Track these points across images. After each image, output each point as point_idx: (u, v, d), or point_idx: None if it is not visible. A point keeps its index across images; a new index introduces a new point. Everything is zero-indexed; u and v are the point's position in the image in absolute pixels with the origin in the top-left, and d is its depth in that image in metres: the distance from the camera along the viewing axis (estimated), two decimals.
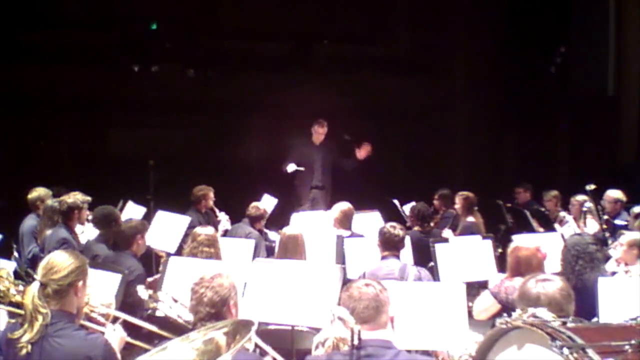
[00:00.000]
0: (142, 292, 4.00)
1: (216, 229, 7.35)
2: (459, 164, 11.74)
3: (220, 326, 2.37)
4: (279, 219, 8.61)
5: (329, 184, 9.13)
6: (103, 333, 3.07)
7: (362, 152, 9.18)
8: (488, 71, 11.35)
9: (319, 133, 9.02)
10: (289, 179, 9.17)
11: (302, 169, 8.97)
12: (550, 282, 3.12)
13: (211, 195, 7.87)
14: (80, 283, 3.02)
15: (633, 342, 2.27)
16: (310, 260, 5.42)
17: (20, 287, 3.27)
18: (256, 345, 3.35)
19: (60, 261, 3.00)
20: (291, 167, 8.90)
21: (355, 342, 2.74)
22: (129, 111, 10.91)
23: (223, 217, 7.81)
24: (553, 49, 11.25)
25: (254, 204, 7.35)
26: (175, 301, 3.81)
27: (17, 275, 4.97)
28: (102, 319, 3.31)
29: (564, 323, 2.49)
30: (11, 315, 3.39)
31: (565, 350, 2.20)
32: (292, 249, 5.33)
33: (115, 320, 3.48)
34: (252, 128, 11.10)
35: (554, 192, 8.73)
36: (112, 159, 11.23)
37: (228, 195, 8.44)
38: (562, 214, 8.21)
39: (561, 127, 11.63)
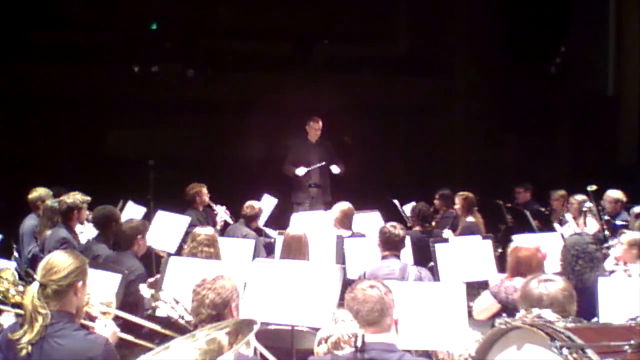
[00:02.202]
0: (145, 290, 4.00)
1: (215, 224, 7.39)
2: (459, 164, 11.74)
3: (222, 326, 2.36)
4: (279, 219, 8.62)
5: (326, 182, 9.08)
6: (84, 326, 3.05)
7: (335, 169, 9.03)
8: (488, 71, 11.35)
9: (315, 129, 8.99)
10: (287, 179, 9.15)
11: (315, 166, 8.88)
12: (552, 283, 3.12)
13: (204, 191, 7.81)
14: (80, 283, 3.01)
15: (632, 342, 2.27)
16: (311, 260, 5.42)
17: (20, 288, 3.27)
18: (255, 349, 3.35)
19: (60, 261, 2.99)
20: (301, 171, 8.84)
21: (359, 345, 2.73)
22: (129, 111, 10.90)
23: (220, 210, 7.79)
24: (553, 49, 11.25)
25: (248, 203, 7.31)
26: (177, 302, 3.81)
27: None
28: (99, 315, 3.30)
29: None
30: (18, 316, 3.40)
31: (565, 351, 2.20)
32: (296, 249, 5.32)
33: (115, 319, 3.48)
34: (252, 128, 11.10)
35: (562, 192, 8.66)
36: (112, 159, 11.22)
37: (228, 195, 8.43)
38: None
39: (561, 127, 11.63)
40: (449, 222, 7.90)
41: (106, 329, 3.15)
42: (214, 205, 7.85)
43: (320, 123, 9.01)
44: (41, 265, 3.02)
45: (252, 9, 11.46)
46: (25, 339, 2.87)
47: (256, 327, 2.21)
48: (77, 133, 11.12)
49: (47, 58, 10.72)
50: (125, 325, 3.62)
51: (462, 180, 10.03)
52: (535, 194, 9.43)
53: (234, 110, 11.03)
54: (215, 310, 3.03)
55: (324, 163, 8.93)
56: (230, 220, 7.71)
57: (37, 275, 2.99)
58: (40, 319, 2.87)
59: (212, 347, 2.25)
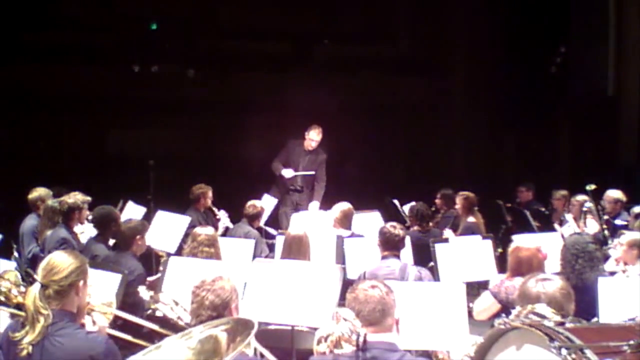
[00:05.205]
0: (144, 292, 4.01)
1: (216, 228, 7.37)
2: (459, 164, 11.75)
3: (217, 324, 2.33)
4: (278, 219, 8.62)
5: (309, 188, 8.89)
6: (84, 325, 3.05)
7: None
8: (488, 71, 11.35)
9: (312, 140, 8.63)
10: (273, 178, 9.02)
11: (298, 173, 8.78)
12: (550, 282, 3.12)
13: (210, 194, 7.82)
14: (81, 283, 3.02)
15: (632, 342, 2.27)
16: (311, 260, 5.42)
17: (22, 289, 3.26)
18: (255, 350, 3.35)
19: (61, 262, 2.99)
20: (288, 173, 8.69)
21: (360, 344, 2.74)
22: (129, 111, 10.91)
23: (222, 215, 7.78)
24: (553, 49, 11.25)
25: (250, 202, 7.31)
26: (177, 304, 3.81)
27: None
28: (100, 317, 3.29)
29: (563, 323, 2.49)
30: (13, 316, 3.40)
31: (564, 351, 2.20)
32: (297, 249, 5.32)
33: (115, 320, 3.48)
34: (252, 128, 11.10)
35: (563, 192, 8.63)
36: (112, 159, 11.22)
37: (228, 195, 8.43)
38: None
39: (561, 127, 11.63)
40: (449, 222, 7.90)
41: (94, 325, 3.13)
42: (216, 210, 7.84)
43: (320, 136, 8.62)
44: (42, 266, 3.02)
45: (252, 8, 11.47)
46: (26, 340, 2.86)
47: (254, 331, 2.17)
48: (77, 133, 11.12)
49: (47, 58, 10.72)
50: (125, 326, 3.62)
51: (462, 180, 10.03)
52: (535, 194, 9.43)
53: (234, 110, 11.03)
54: (215, 311, 3.03)
55: (313, 173, 8.76)
56: (231, 226, 7.68)
57: (38, 276, 2.99)
58: (42, 319, 2.87)
59: (207, 347, 2.21)
